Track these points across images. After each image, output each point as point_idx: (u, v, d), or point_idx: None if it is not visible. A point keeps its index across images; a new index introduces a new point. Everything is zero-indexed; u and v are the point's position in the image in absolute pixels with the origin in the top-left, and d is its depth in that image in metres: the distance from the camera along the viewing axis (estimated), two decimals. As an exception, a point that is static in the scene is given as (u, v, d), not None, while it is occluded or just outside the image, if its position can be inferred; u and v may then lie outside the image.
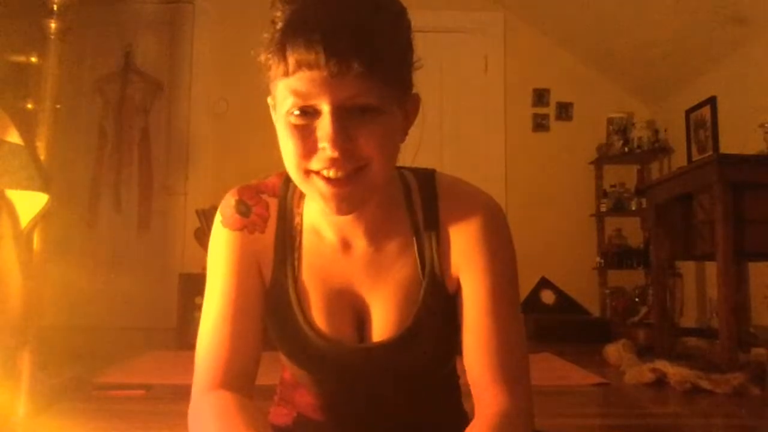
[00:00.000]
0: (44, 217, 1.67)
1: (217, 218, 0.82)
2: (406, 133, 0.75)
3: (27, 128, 1.69)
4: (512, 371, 0.77)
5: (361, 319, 0.80)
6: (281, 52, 0.65)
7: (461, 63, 4.58)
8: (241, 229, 0.80)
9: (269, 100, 0.74)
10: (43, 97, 1.77)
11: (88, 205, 4.34)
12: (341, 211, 0.70)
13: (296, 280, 0.79)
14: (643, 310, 4.07)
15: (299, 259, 0.80)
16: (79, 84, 4.36)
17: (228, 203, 0.82)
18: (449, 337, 0.81)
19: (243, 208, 0.81)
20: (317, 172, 0.68)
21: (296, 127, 0.67)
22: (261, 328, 0.81)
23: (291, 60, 0.64)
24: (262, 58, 0.70)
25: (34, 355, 1.72)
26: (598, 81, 4.55)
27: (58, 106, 1.80)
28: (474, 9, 4.58)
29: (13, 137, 1.61)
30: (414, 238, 0.79)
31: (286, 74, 0.66)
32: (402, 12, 0.72)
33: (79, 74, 4.34)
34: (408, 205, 0.81)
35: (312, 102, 0.66)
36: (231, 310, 0.78)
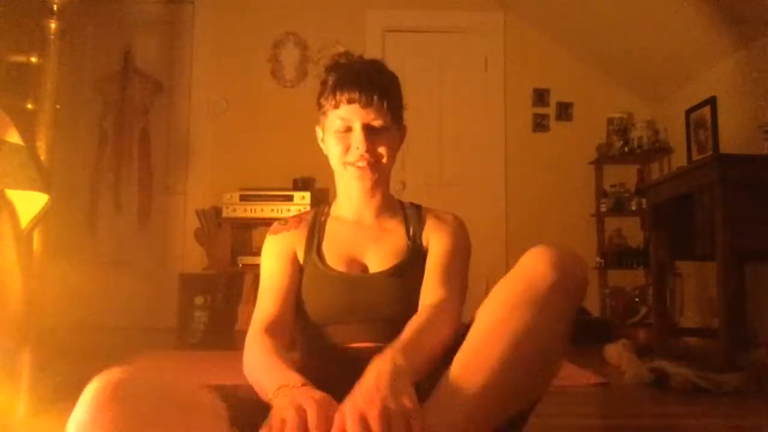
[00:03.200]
0: (44, 217, 1.67)
1: (267, 236, 1.26)
2: (399, 147, 1.24)
3: (27, 128, 1.69)
4: (450, 286, 1.14)
5: (365, 265, 1.20)
6: (334, 95, 1.15)
7: (461, 63, 4.58)
8: (280, 232, 1.25)
9: (317, 128, 1.25)
10: (43, 97, 1.77)
11: (88, 205, 4.34)
12: (367, 184, 1.19)
13: (320, 249, 1.21)
14: (643, 310, 4.07)
15: (322, 235, 1.24)
16: (79, 84, 4.36)
17: (274, 223, 1.28)
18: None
19: (284, 221, 1.28)
20: (351, 164, 1.17)
21: (340, 137, 1.17)
22: (294, 296, 1.18)
23: (339, 98, 1.15)
24: (319, 102, 1.20)
25: (34, 355, 1.72)
26: (598, 81, 4.56)
27: (58, 106, 1.80)
28: (474, 9, 4.58)
29: (13, 137, 1.61)
30: (404, 222, 1.26)
31: (336, 107, 1.16)
32: (396, 76, 1.23)
33: (79, 74, 4.34)
34: (401, 208, 1.30)
35: (349, 123, 1.15)
36: (275, 285, 1.18)
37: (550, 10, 4.33)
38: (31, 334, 1.69)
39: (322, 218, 1.27)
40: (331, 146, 1.18)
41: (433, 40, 4.49)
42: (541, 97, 4.56)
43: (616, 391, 2.37)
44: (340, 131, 1.16)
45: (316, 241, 1.22)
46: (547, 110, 4.56)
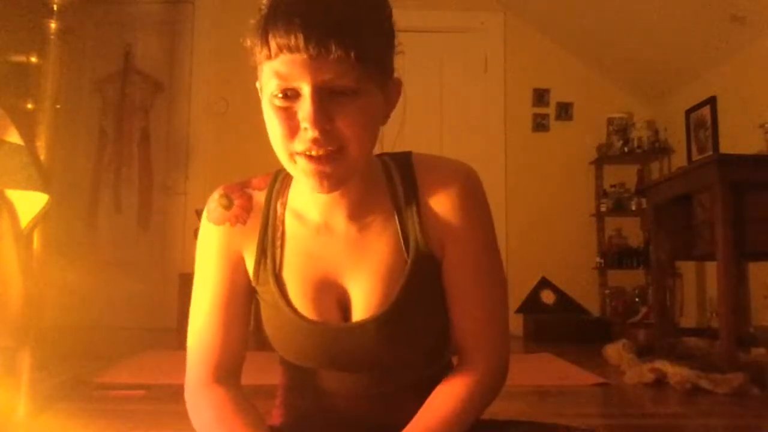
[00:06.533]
0: (44, 217, 1.67)
1: (204, 213, 0.86)
2: (387, 116, 0.77)
3: (27, 128, 1.69)
4: (494, 337, 0.83)
5: (345, 300, 0.81)
6: (264, 36, 0.68)
7: (461, 63, 4.58)
8: (223, 223, 0.84)
9: (257, 84, 0.76)
10: (43, 97, 1.77)
11: (88, 205, 4.34)
12: (324, 188, 0.72)
13: (277, 269, 0.82)
14: (643, 310, 4.07)
15: (282, 248, 0.82)
16: (79, 84, 4.36)
17: (213, 198, 0.86)
18: (438, 308, 0.83)
19: (225, 202, 0.85)
20: (300, 154, 0.70)
21: (280, 108, 0.70)
22: (247, 319, 0.84)
23: (273, 44, 0.67)
24: (248, 43, 0.72)
25: (34, 355, 1.72)
26: (598, 81, 4.55)
27: (58, 106, 1.80)
28: (474, 9, 4.58)
29: (13, 137, 1.61)
30: (395, 215, 0.81)
31: (269, 57, 0.69)
32: (382, 1, 0.75)
33: (79, 74, 4.34)
34: (389, 183, 0.83)
35: (294, 84, 0.68)
36: (219, 306, 0.82)
37: (550, 10, 4.33)
38: (31, 334, 1.69)
39: (279, 209, 0.84)
40: (267, 122, 0.73)
41: (433, 40, 4.48)
42: (541, 97, 4.56)
43: (616, 391, 2.37)
44: (278, 96, 0.69)
45: (271, 257, 0.82)
46: (547, 110, 4.56)
